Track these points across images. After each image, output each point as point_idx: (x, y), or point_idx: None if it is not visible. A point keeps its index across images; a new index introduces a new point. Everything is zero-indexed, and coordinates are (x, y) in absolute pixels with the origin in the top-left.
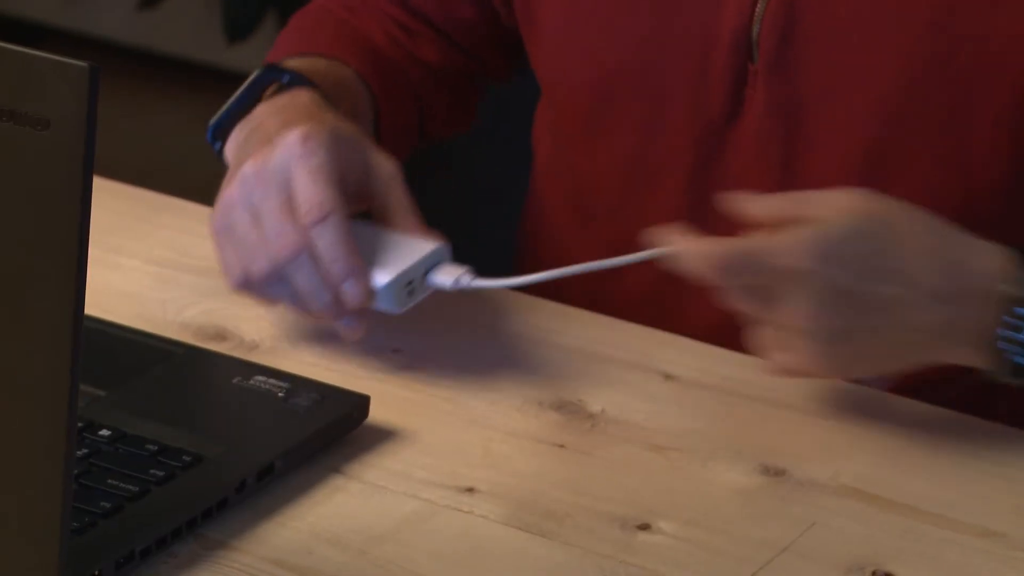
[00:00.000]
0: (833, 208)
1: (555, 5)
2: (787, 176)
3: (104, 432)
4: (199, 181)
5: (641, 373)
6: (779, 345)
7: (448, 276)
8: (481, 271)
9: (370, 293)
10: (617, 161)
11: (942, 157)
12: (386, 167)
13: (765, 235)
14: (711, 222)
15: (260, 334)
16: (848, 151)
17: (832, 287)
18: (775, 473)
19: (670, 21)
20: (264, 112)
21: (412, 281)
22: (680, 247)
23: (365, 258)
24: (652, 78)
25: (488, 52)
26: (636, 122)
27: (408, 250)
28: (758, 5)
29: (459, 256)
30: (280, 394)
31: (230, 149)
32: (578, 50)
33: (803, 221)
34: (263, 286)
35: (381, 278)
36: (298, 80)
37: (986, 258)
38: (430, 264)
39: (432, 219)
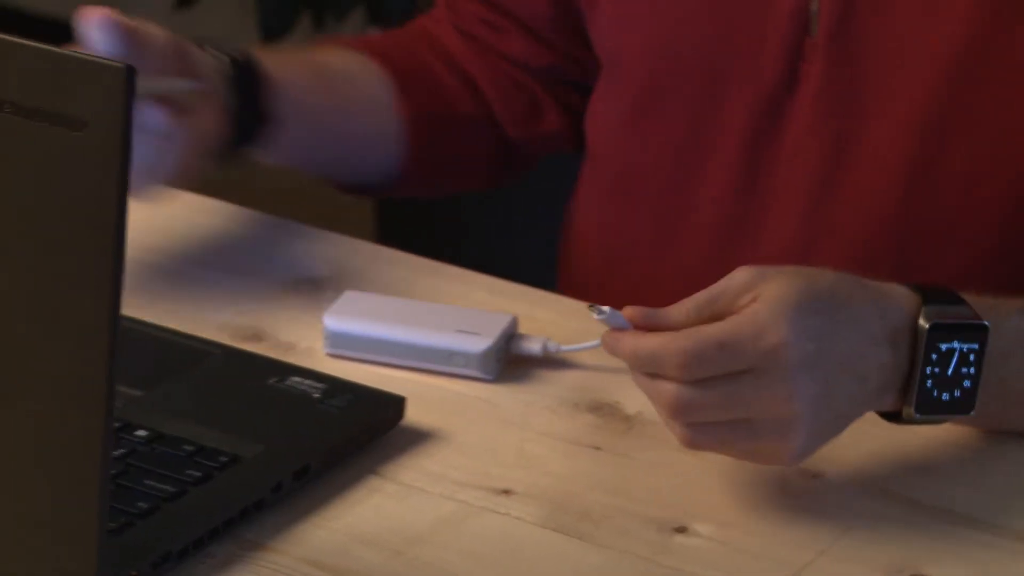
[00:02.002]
0: (749, 291)
1: None
2: (841, 150)
3: (141, 433)
4: (233, 180)
5: None
6: (755, 445)
7: (535, 343)
8: (522, 276)
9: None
10: (670, 138)
11: (999, 127)
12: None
13: (721, 325)
14: (761, 198)
15: (296, 335)
16: (904, 122)
17: (804, 356)
18: (812, 476)
19: None
20: None
21: (500, 348)
22: (630, 345)
23: (451, 331)
24: (707, 54)
25: (579, 50)
26: (690, 98)
27: (491, 321)
28: None
29: (502, 260)
30: (316, 395)
31: None
32: (633, 27)
33: (725, 314)
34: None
35: (479, 345)
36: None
37: (899, 297)
38: (511, 333)
39: (475, 226)
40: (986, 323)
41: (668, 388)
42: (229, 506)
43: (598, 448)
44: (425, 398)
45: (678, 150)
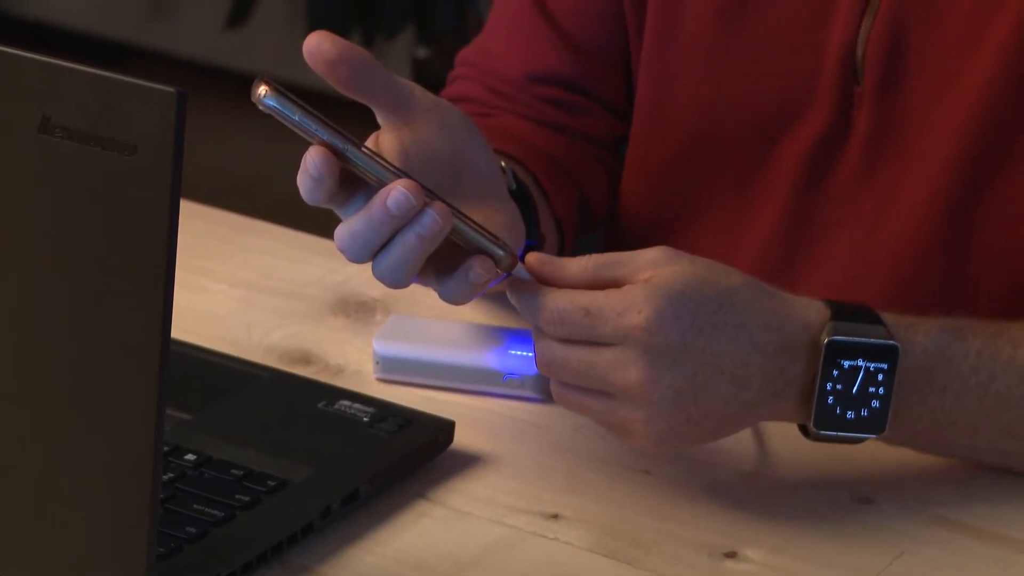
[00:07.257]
0: (650, 268)
1: (653, 33)
2: (888, 191)
3: (190, 456)
4: (283, 202)
5: None
6: (612, 418)
7: None
8: None
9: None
10: (717, 188)
11: None
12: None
13: (597, 293)
14: (808, 239)
15: (345, 358)
16: (946, 160)
17: (666, 344)
18: (863, 501)
19: (772, 47)
20: None
21: None
22: (518, 292)
23: (503, 352)
24: (757, 108)
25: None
26: (738, 149)
27: None
28: (862, 27)
29: None
30: (365, 419)
31: None
32: (679, 78)
33: (622, 282)
34: None
35: (534, 366)
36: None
37: (804, 311)
38: None
39: None
40: (894, 343)
41: (540, 340)
42: (277, 531)
43: (647, 472)
44: (474, 422)
45: (726, 197)
